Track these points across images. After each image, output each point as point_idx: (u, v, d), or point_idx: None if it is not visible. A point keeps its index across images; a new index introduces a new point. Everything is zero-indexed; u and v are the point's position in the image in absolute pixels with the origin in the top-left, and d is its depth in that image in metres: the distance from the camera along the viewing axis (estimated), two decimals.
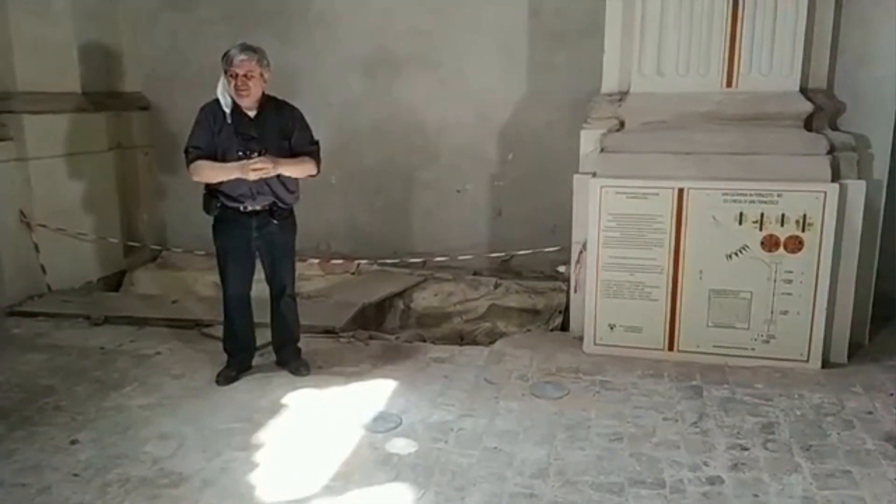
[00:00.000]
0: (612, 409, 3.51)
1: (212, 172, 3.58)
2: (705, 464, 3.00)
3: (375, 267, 5.56)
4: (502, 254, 5.44)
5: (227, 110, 3.59)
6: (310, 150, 3.76)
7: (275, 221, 3.72)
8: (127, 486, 2.88)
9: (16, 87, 5.07)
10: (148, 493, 2.84)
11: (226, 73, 3.53)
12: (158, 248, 6.00)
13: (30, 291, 5.20)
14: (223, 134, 3.59)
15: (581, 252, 4.25)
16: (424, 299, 5.17)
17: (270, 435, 3.31)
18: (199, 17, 5.78)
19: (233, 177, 3.54)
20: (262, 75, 3.57)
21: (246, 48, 3.55)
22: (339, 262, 5.56)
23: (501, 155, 5.54)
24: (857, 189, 3.88)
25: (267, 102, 3.67)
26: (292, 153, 3.68)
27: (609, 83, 4.33)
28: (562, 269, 4.92)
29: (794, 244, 3.85)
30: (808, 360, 3.93)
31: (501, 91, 5.41)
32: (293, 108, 3.76)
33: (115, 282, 5.82)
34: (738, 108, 3.96)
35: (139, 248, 5.94)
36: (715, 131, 3.99)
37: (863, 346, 4.19)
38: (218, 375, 3.86)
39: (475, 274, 5.45)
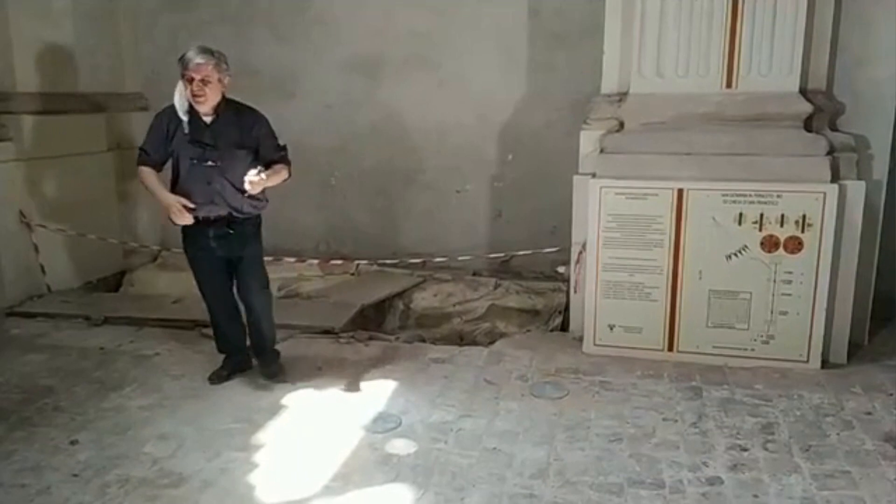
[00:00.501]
0: (612, 409, 3.51)
1: (147, 188, 3.56)
2: (705, 464, 3.00)
3: (375, 267, 5.56)
4: (502, 254, 5.44)
5: (185, 117, 3.46)
6: (279, 156, 3.65)
7: (230, 231, 3.60)
8: (126, 487, 2.88)
9: (15, 87, 5.07)
10: (147, 494, 2.84)
11: (182, 77, 3.40)
12: (158, 248, 6.00)
13: (29, 292, 5.19)
14: (176, 140, 3.49)
15: (581, 252, 4.25)
16: (424, 300, 5.17)
17: (270, 436, 3.31)
18: (198, 17, 5.77)
19: (162, 204, 3.53)
20: (220, 80, 3.43)
21: (203, 51, 3.40)
22: (339, 262, 5.56)
23: (501, 156, 5.54)
24: (856, 189, 3.88)
25: (226, 108, 3.52)
26: (265, 163, 3.55)
27: (609, 84, 4.33)
28: (561, 269, 4.91)
29: (794, 245, 3.85)
30: (807, 361, 3.93)
31: (501, 92, 5.42)
32: (256, 116, 3.61)
33: (114, 282, 5.81)
34: (738, 109, 3.96)
35: (138, 249, 5.94)
36: (714, 132, 3.99)
37: (862, 346, 4.19)
38: (211, 374, 3.86)
39: (475, 274, 5.45)
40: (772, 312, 3.93)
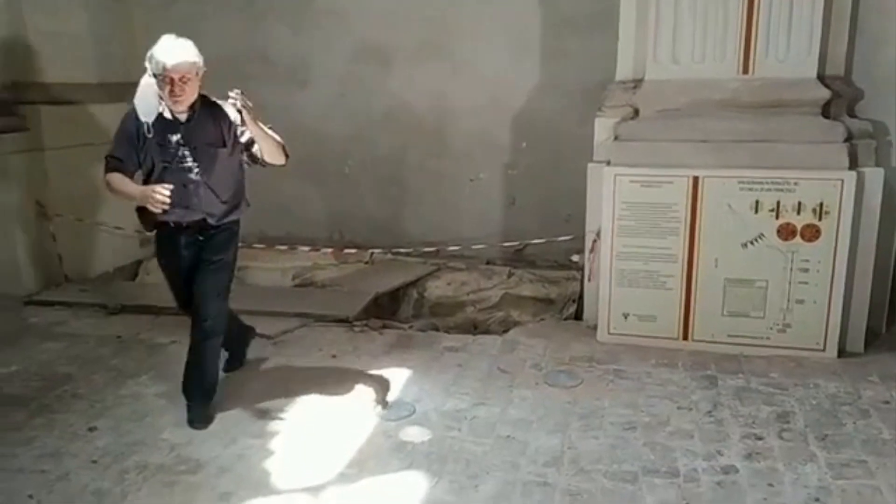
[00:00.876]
0: (626, 398, 3.50)
1: (118, 191, 3.14)
2: (719, 453, 3.00)
3: (389, 256, 5.57)
4: (516, 243, 5.43)
5: (150, 119, 3.14)
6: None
7: (200, 238, 3.28)
8: (145, 473, 2.92)
9: (32, 78, 5.11)
10: (165, 480, 2.87)
11: (156, 76, 3.04)
12: None
13: (47, 281, 5.25)
14: (149, 144, 3.15)
15: (595, 241, 4.23)
16: (438, 288, 5.18)
17: (285, 423, 3.33)
18: (212, 6, 5.78)
19: (136, 201, 3.15)
20: (198, 74, 3.10)
21: (180, 46, 3.04)
22: (353, 251, 5.58)
23: (514, 143, 5.52)
24: (874, 176, 3.83)
25: (201, 105, 3.20)
26: (246, 147, 3.27)
27: (623, 70, 4.30)
28: (576, 258, 4.90)
29: (811, 233, 3.82)
30: (824, 350, 3.90)
31: (514, 79, 5.39)
32: (229, 108, 3.20)
33: (130, 271, 5.86)
34: (755, 96, 3.92)
35: (154, 238, 5.97)
36: (731, 119, 3.95)
37: (880, 334, 4.15)
38: (191, 417, 3.34)
39: (488, 263, 5.45)
40: (788, 301, 3.90)
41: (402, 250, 5.56)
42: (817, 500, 2.68)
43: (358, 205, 5.88)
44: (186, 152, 3.18)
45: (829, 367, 3.78)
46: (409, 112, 5.62)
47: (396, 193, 5.80)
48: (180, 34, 3.09)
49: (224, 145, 3.23)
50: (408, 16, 5.47)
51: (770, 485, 2.77)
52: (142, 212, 3.21)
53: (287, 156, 3.32)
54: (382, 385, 3.68)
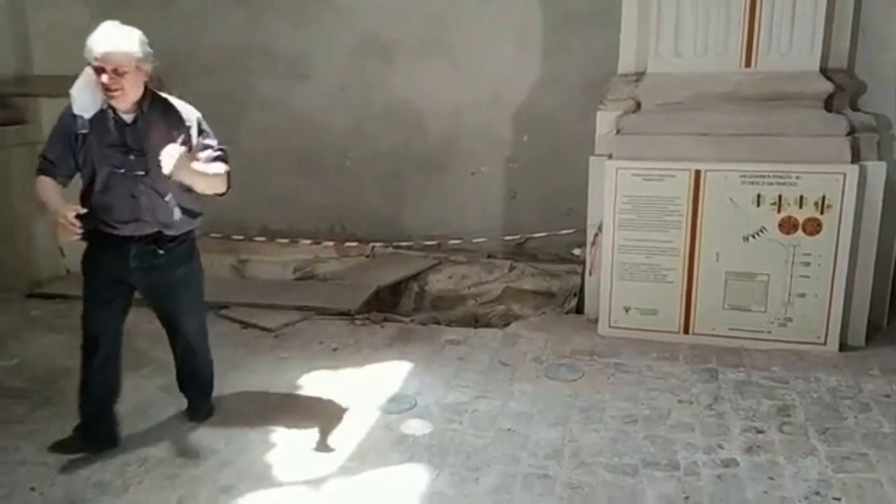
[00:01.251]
0: (627, 391, 3.51)
1: (43, 199, 2.76)
2: (720, 446, 3.00)
3: (390, 250, 5.56)
4: (517, 236, 5.43)
5: (85, 114, 2.76)
6: (216, 157, 2.90)
7: (160, 251, 2.89)
8: (146, 465, 2.93)
9: (32, 70, 5.10)
10: (166, 473, 2.88)
11: (92, 66, 2.69)
12: None
13: (49, 274, 5.26)
14: (88, 145, 2.76)
15: (596, 234, 4.23)
16: (439, 282, 5.18)
17: (287, 416, 3.34)
18: (211, 1, 5.76)
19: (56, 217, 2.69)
20: (139, 69, 2.70)
21: (117, 34, 2.69)
22: (354, 244, 5.57)
23: (516, 137, 5.50)
24: (877, 170, 3.83)
25: (151, 104, 2.81)
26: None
27: (625, 64, 4.29)
28: (577, 251, 4.90)
29: (813, 226, 3.81)
30: (825, 343, 3.90)
31: (515, 73, 5.37)
32: (188, 113, 2.90)
33: None
34: (757, 89, 3.91)
35: None
36: (733, 112, 3.94)
37: (881, 328, 4.15)
38: (56, 442, 2.98)
39: (490, 257, 5.44)
40: (789, 294, 3.90)
41: (403, 244, 5.56)
42: (818, 493, 2.68)
43: (359, 198, 5.87)
44: (132, 158, 2.78)
45: (830, 361, 3.78)
46: (410, 106, 5.61)
47: (398, 187, 5.79)
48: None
49: None
50: (409, 11, 5.46)
51: (770, 478, 2.77)
52: (77, 217, 2.67)
53: (229, 186, 2.92)
54: (383, 377, 3.68)
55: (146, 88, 2.79)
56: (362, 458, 2.96)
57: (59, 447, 2.96)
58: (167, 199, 2.85)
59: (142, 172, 2.80)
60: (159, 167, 2.66)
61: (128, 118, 2.79)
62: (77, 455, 2.95)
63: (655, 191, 3.98)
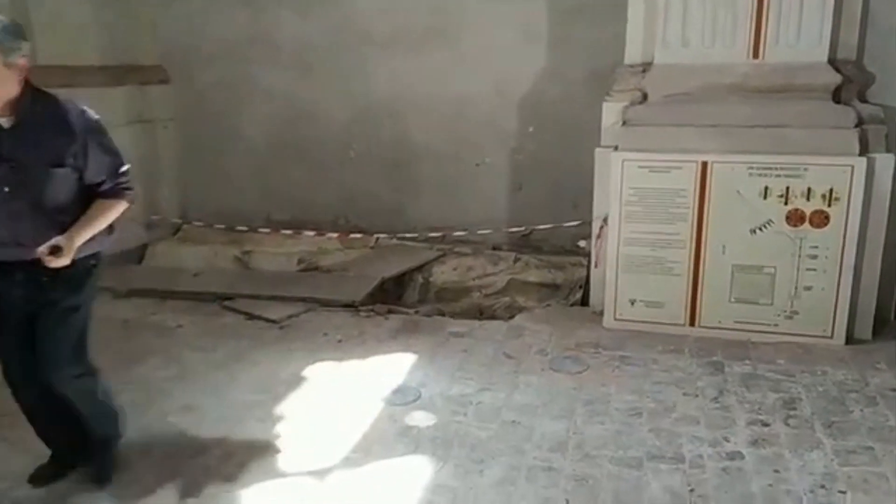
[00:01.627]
0: (632, 384, 3.50)
1: None
2: (725, 439, 2.99)
3: (394, 241, 5.56)
4: (522, 228, 5.41)
5: None
6: (114, 184, 2.52)
7: (44, 278, 2.39)
8: (151, 457, 2.93)
9: (35, 61, 5.06)
10: (171, 464, 2.88)
11: None
12: (179, 221, 6.03)
13: None
14: None
15: (602, 226, 4.21)
16: (443, 273, 5.17)
17: (291, 407, 3.34)
18: None
19: None
20: (6, 65, 2.26)
21: None
22: (358, 235, 5.57)
23: (521, 128, 5.48)
24: (885, 163, 3.79)
25: (32, 106, 2.38)
26: (89, 193, 2.47)
27: (632, 54, 4.25)
28: (582, 243, 4.89)
29: (820, 219, 3.79)
30: (831, 336, 3.88)
31: (520, 63, 5.33)
32: (80, 113, 2.45)
33: (136, 255, 5.87)
34: (765, 80, 3.88)
35: (160, 222, 5.98)
36: (740, 103, 3.91)
37: (888, 322, 4.13)
38: (33, 473, 2.75)
39: (494, 248, 5.43)
40: (796, 287, 3.88)
41: (407, 235, 5.55)
42: (823, 486, 2.67)
43: (363, 189, 5.86)
44: (13, 171, 2.33)
45: (836, 354, 3.77)
46: (414, 97, 5.58)
47: (402, 178, 5.78)
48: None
49: (62, 164, 2.38)
50: (414, 1, 5.43)
51: (776, 471, 2.77)
52: None
53: (112, 228, 2.60)
54: (387, 369, 3.68)
55: (26, 87, 2.38)
56: (366, 450, 2.96)
57: (32, 478, 2.74)
58: (53, 219, 2.39)
59: (21, 190, 2.35)
60: (44, 182, 2.34)
61: (5, 123, 2.34)
62: (47, 484, 2.73)
63: (662, 183, 3.95)
